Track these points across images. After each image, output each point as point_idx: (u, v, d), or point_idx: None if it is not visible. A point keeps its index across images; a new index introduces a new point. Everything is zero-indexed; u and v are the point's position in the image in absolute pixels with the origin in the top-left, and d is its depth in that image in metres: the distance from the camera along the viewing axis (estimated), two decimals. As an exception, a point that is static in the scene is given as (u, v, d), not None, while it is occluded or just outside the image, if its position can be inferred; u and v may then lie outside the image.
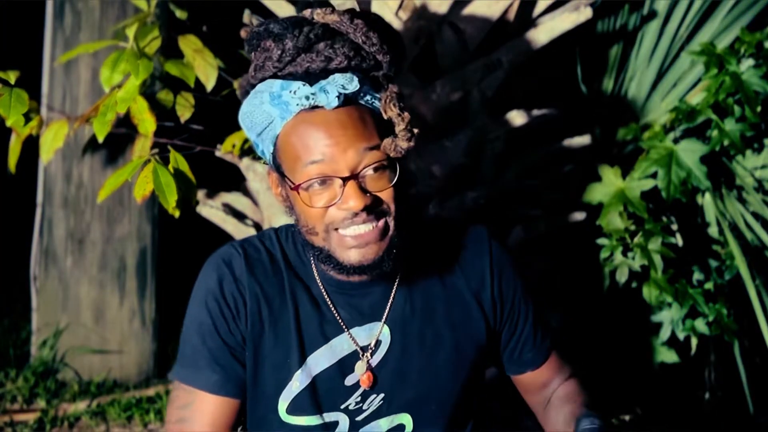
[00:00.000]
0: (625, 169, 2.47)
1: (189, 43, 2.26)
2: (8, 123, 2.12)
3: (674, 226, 2.49)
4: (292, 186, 1.32)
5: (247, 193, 2.48)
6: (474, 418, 1.57)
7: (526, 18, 2.38)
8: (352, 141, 1.29)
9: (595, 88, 2.70)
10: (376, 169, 1.31)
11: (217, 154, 2.44)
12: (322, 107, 1.30)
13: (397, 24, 2.17)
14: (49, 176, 3.37)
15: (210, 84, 2.25)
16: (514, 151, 2.39)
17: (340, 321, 1.44)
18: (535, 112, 2.31)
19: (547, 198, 2.44)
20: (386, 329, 1.45)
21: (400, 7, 2.14)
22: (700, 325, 2.43)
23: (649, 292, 2.39)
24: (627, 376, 2.60)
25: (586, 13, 2.25)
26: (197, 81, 2.26)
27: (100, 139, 2.06)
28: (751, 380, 2.48)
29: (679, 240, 2.47)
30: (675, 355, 2.47)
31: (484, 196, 2.24)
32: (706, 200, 2.50)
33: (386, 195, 1.33)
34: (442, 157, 2.22)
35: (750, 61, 2.40)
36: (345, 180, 1.29)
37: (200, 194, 2.47)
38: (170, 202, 1.99)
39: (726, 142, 2.40)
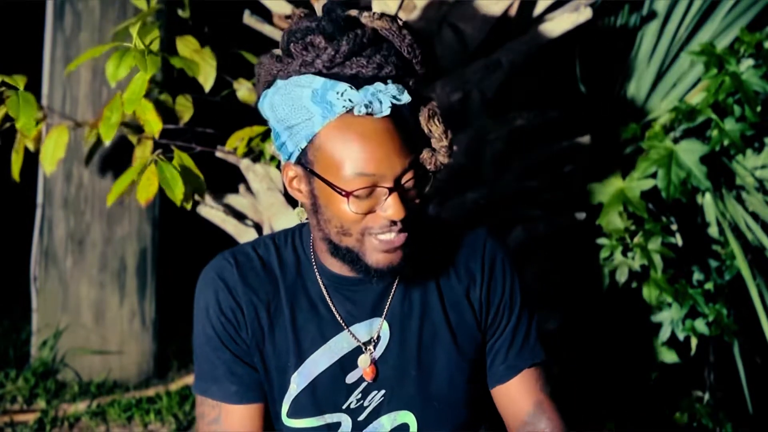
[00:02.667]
0: (625, 169, 2.47)
1: (188, 44, 2.26)
2: (18, 125, 2.12)
3: (674, 226, 2.49)
4: (342, 192, 1.31)
5: (246, 193, 2.48)
6: (487, 422, 1.58)
7: (526, 18, 2.38)
8: (398, 152, 1.30)
9: (595, 88, 2.70)
10: (417, 180, 1.34)
11: (218, 154, 2.44)
12: (366, 114, 1.30)
13: (396, 24, 2.17)
14: (50, 177, 3.37)
15: (208, 85, 2.25)
16: (514, 151, 2.39)
17: (339, 319, 1.45)
18: (535, 113, 2.31)
19: (547, 198, 2.44)
20: (386, 325, 1.46)
21: (400, 7, 2.14)
22: (700, 325, 2.43)
23: (649, 292, 2.39)
24: (627, 376, 2.60)
25: (586, 13, 2.25)
26: (197, 82, 2.26)
27: (107, 141, 2.07)
28: (751, 380, 2.48)
29: (679, 240, 2.47)
30: (675, 355, 2.47)
31: (484, 196, 2.24)
32: (706, 200, 2.51)
33: (416, 205, 1.36)
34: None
35: (750, 61, 2.40)
36: (390, 190, 1.31)
37: (204, 194, 2.47)
38: (177, 195, 2.01)
39: (726, 142, 2.41)
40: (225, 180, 2.55)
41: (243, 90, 2.48)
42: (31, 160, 2.51)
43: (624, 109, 2.66)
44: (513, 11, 2.28)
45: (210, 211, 2.48)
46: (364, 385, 1.45)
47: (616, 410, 2.63)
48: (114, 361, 3.40)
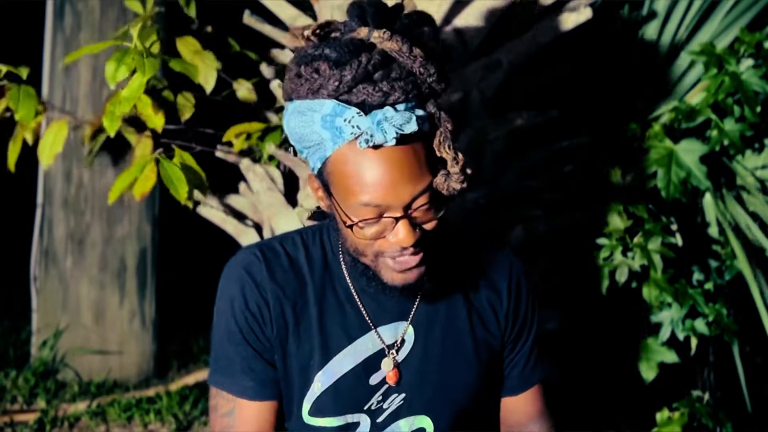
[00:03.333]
0: (625, 169, 2.47)
1: (188, 45, 2.26)
2: (17, 117, 2.13)
3: (674, 226, 2.49)
4: (346, 224, 1.32)
5: (247, 193, 2.48)
6: (495, 430, 1.61)
7: (526, 18, 2.38)
8: (406, 180, 1.27)
9: (595, 88, 2.70)
10: (428, 206, 1.32)
11: (218, 154, 2.44)
12: (371, 146, 1.26)
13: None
14: (49, 177, 3.37)
15: (209, 86, 2.26)
16: (514, 151, 2.39)
17: (367, 319, 1.46)
18: (535, 113, 2.31)
19: (547, 198, 2.44)
20: (411, 329, 1.47)
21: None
22: (700, 325, 2.43)
23: (649, 292, 2.39)
24: (626, 376, 2.60)
25: (586, 13, 2.25)
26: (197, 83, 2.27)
27: (112, 134, 2.07)
28: (751, 380, 2.48)
29: (679, 240, 2.47)
30: (675, 355, 2.47)
31: (484, 196, 2.24)
32: (706, 200, 2.51)
33: (431, 226, 1.34)
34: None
35: (749, 61, 2.40)
36: (397, 219, 1.30)
37: (200, 194, 2.47)
38: (181, 193, 2.01)
39: (726, 142, 2.41)
40: (225, 180, 2.55)
41: (243, 90, 2.48)
42: (32, 159, 2.51)
43: (624, 109, 2.66)
44: (514, 11, 2.28)
45: (210, 211, 2.48)
46: (385, 387, 1.46)
47: (615, 410, 2.63)
48: (114, 361, 3.40)
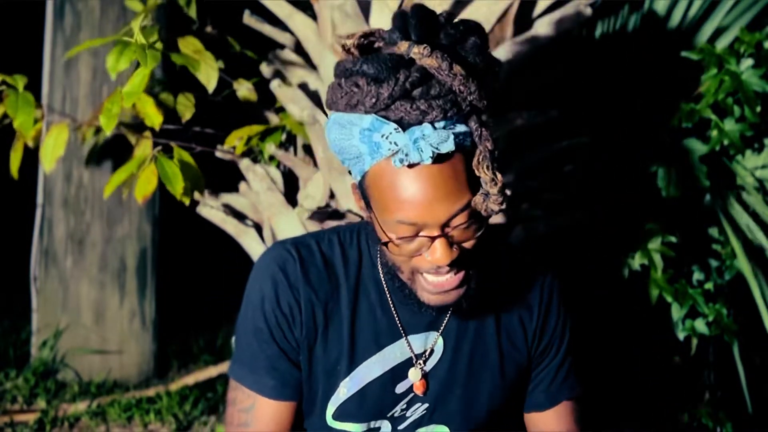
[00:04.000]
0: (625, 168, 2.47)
1: (189, 45, 2.27)
2: (15, 125, 2.13)
3: (674, 226, 2.50)
4: (381, 241, 1.31)
5: (247, 193, 2.48)
6: None
7: (526, 18, 2.38)
8: (443, 199, 1.24)
9: (595, 88, 2.70)
10: (466, 225, 1.29)
11: (218, 154, 2.44)
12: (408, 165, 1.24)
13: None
14: (50, 177, 3.37)
15: (211, 86, 2.25)
16: (514, 151, 2.39)
17: (399, 325, 1.44)
18: (535, 113, 2.31)
19: (547, 198, 2.44)
20: (440, 340, 1.46)
21: (400, 7, 2.15)
22: (700, 325, 2.43)
23: (649, 292, 2.39)
24: (627, 376, 2.60)
25: (586, 14, 2.25)
26: (197, 83, 2.26)
27: (108, 131, 2.07)
28: (751, 380, 2.48)
29: (679, 240, 2.47)
30: (675, 355, 2.47)
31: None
32: (706, 200, 2.51)
33: (470, 245, 1.31)
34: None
35: (749, 61, 2.40)
36: (434, 237, 1.27)
37: (199, 194, 2.48)
38: (177, 189, 2.01)
39: (726, 142, 2.41)
40: (225, 180, 2.55)
41: (243, 90, 2.48)
42: (32, 159, 2.51)
43: (624, 108, 2.66)
44: (513, 11, 2.28)
45: (210, 211, 2.48)
46: (411, 396, 1.45)
47: (615, 410, 2.63)
48: (114, 361, 3.40)
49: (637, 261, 2.40)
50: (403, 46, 1.27)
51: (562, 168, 2.51)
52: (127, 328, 3.43)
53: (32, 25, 3.77)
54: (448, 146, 1.22)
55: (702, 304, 2.40)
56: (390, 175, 1.25)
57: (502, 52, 2.26)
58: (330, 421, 1.45)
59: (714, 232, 2.51)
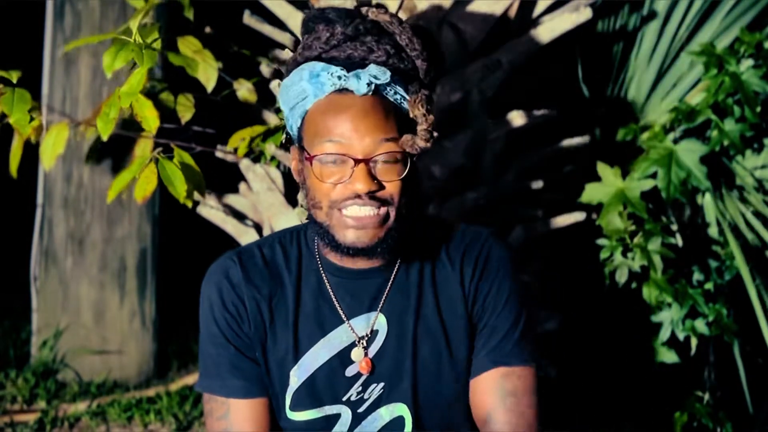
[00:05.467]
0: (625, 169, 2.47)
1: (189, 45, 2.27)
2: (11, 121, 2.13)
3: (674, 226, 2.49)
4: (308, 156, 1.40)
5: (247, 193, 2.48)
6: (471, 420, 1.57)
7: (526, 18, 2.38)
8: (371, 129, 1.37)
9: (595, 88, 2.70)
10: (388, 161, 1.38)
11: (218, 154, 2.44)
12: (352, 92, 1.38)
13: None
14: (50, 177, 3.37)
15: (210, 85, 2.26)
16: (514, 151, 2.39)
17: (340, 312, 1.48)
18: (535, 113, 2.31)
19: (547, 198, 2.44)
20: (382, 318, 1.48)
21: (400, 7, 2.15)
22: (700, 325, 2.43)
23: (649, 293, 2.39)
24: (626, 376, 2.60)
25: (586, 13, 2.25)
26: (197, 82, 2.26)
27: (105, 137, 2.07)
28: (751, 380, 2.48)
29: (679, 240, 2.47)
30: (675, 355, 2.47)
31: (484, 196, 2.24)
32: (706, 200, 2.51)
33: (393, 186, 1.39)
34: (442, 157, 2.22)
35: (750, 62, 2.40)
36: (357, 162, 1.36)
37: (199, 194, 2.48)
38: (180, 192, 2.01)
39: (726, 143, 2.41)
40: (225, 180, 2.55)
41: (243, 90, 2.48)
42: (32, 159, 2.51)
43: (624, 109, 2.66)
44: (513, 11, 2.28)
45: (210, 211, 2.48)
46: (364, 377, 1.47)
47: (616, 410, 2.64)
48: (114, 361, 3.40)
49: (637, 261, 2.40)
50: (363, 10, 1.46)
51: (562, 168, 2.51)
52: (127, 328, 3.43)
53: (32, 25, 3.77)
54: (385, 78, 1.37)
55: (702, 304, 2.40)
56: (328, 105, 1.39)
57: (503, 52, 2.26)
58: (289, 414, 1.49)
59: (714, 232, 2.51)
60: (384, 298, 1.48)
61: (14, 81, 2.14)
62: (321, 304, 1.49)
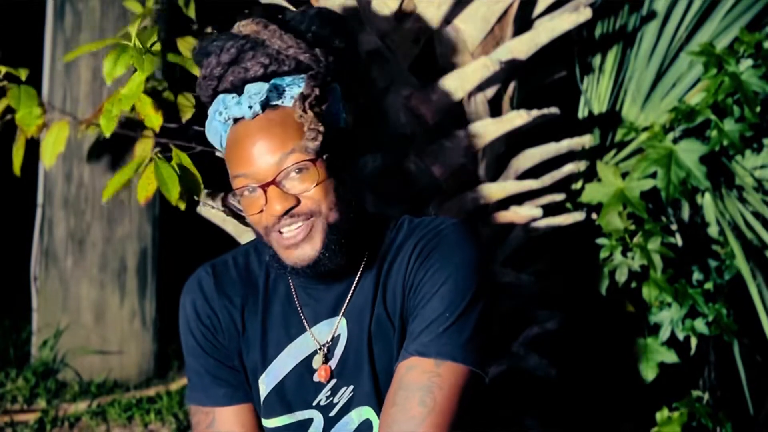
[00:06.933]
0: (625, 169, 2.48)
1: (189, 45, 2.27)
2: (17, 117, 2.13)
3: (674, 226, 2.50)
4: (233, 192, 1.40)
5: (247, 193, 2.47)
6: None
7: (526, 18, 2.38)
8: (267, 148, 1.34)
9: (595, 88, 2.71)
10: (299, 171, 1.35)
11: (218, 154, 2.44)
12: (243, 118, 1.36)
13: (395, 24, 2.17)
14: (50, 177, 3.37)
15: (210, 85, 2.25)
16: (514, 151, 2.39)
17: (303, 320, 1.48)
18: (535, 112, 2.31)
19: (547, 198, 2.44)
20: (344, 322, 1.46)
21: (400, 7, 2.15)
22: (700, 325, 2.43)
23: (648, 292, 2.39)
24: (626, 376, 2.60)
25: (586, 14, 2.25)
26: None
27: (108, 134, 2.07)
28: (751, 380, 2.48)
29: (678, 240, 2.48)
30: (675, 355, 2.47)
31: (483, 196, 2.24)
32: (706, 200, 2.51)
33: (311, 195, 1.35)
34: (441, 157, 2.22)
35: (749, 62, 2.40)
36: (262, 187, 1.35)
37: (194, 196, 2.48)
38: (173, 194, 2.02)
39: (725, 142, 2.41)
40: (225, 180, 2.55)
41: (243, 90, 2.47)
42: (32, 159, 2.51)
43: (624, 109, 2.66)
44: (513, 11, 2.29)
45: (210, 211, 2.48)
46: (333, 382, 1.46)
47: (615, 410, 2.64)
48: (114, 361, 3.40)
49: (636, 261, 2.41)
50: (235, 27, 1.41)
51: (562, 168, 2.51)
52: (127, 328, 3.43)
53: (32, 25, 3.77)
54: (261, 96, 1.33)
55: (702, 304, 2.40)
56: (229, 138, 1.38)
57: (503, 52, 2.26)
58: (264, 422, 1.49)
59: (714, 231, 2.51)
60: (347, 301, 1.46)
61: (23, 78, 2.15)
62: (288, 310, 1.48)
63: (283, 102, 1.36)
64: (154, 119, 2.05)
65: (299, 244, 1.36)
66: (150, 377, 3.46)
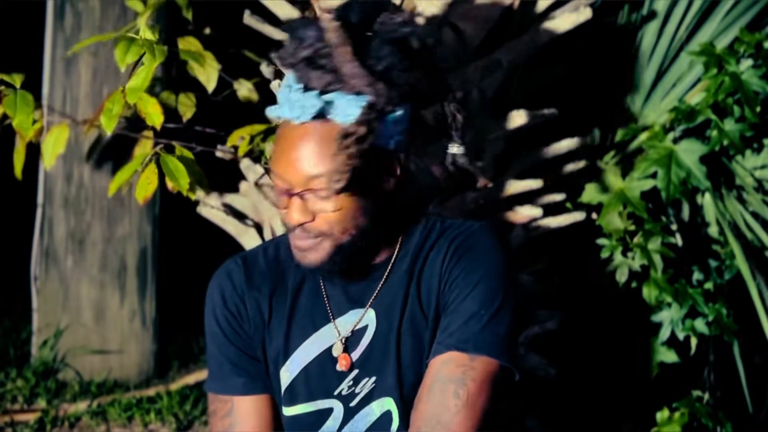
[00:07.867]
0: (625, 169, 2.47)
1: (189, 45, 2.27)
2: (14, 123, 2.13)
3: (674, 226, 2.50)
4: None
5: (247, 193, 2.48)
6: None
7: (526, 18, 2.38)
8: (301, 162, 1.35)
9: (595, 88, 2.71)
10: (322, 192, 1.37)
11: (218, 154, 2.44)
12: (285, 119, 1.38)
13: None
14: (50, 177, 3.37)
15: (211, 85, 2.26)
16: (514, 151, 2.39)
17: (329, 310, 1.50)
18: (535, 112, 2.31)
19: (547, 198, 2.44)
20: (372, 314, 1.49)
21: (399, 7, 2.15)
22: (700, 325, 2.43)
23: (648, 292, 2.39)
24: (626, 376, 2.61)
25: (586, 14, 2.26)
26: (198, 83, 2.27)
27: (109, 132, 2.07)
28: (751, 380, 2.49)
29: (678, 240, 2.48)
30: (675, 355, 2.47)
31: (484, 196, 2.24)
32: (706, 200, 2.51)
33: (325, 218, 1.38)
34: (442, 157, 2.21)
35: (749, 61, 2.40)
36: (289, 194, 1.38)
37: (201, 194, 2.48)
38: (183, 184, 2.02)
39: (725, 142, 2.41)
40: (225, 180, 2.56)
41: (244, 90, 2.49)
42: (32, 159, 2.51)
43: (624, 109, 2.66)
44: (513, 11, 2.29)
45: (210, 210, 2.49)
46: (355, 372, 1.48)
47: (615, 410, 2.64)
48: (114, 361, 3.40)
49: (637, 261, 2.41)
50: (324, 17, 1.36)
51: (562, 168, 2.51)
52: (127, 328, 3.43)
53: (32, 25, 3.77)
54: (310, 112, 1.33)
55: (702, 304, 2.40)
56: (279, 130, 1.40)
57: (503, 52, 2.26)
58: (284, 410, 1.51)
59: (714, 231, 2.51)
60: (375, 293, 1.49)
61: (17, 85, 2.15)
62: (315, 301, 1.51)
63: (335, 117, 1.35)
64: (155, 117, 2.05)
65: (304, 251, 1.41)
66: (150, 377, 3.46)
